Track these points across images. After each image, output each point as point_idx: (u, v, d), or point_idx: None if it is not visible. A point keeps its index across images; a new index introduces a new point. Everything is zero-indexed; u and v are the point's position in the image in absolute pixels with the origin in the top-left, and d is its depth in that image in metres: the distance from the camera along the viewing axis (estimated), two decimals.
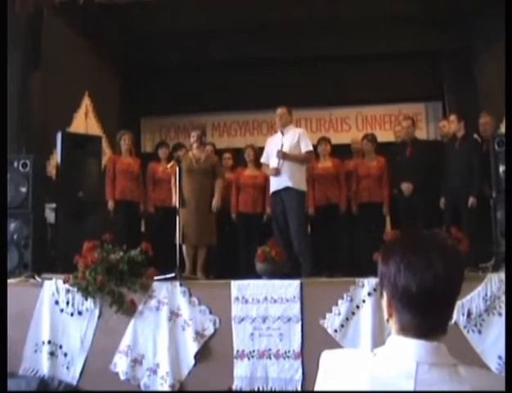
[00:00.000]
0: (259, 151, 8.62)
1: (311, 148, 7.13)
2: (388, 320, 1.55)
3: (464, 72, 9.81)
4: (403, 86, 10.35)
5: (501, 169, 6.26)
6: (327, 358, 1.61)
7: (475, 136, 7.98)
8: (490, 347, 4.86)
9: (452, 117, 8.06)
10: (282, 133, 7.14)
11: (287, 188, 6.88)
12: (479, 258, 5.91)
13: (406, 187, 7.74)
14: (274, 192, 7.02)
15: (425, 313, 1.47)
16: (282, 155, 6.90)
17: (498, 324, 4.87)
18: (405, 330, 1.49)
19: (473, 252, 5.50)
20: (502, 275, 4.98)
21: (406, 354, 1.45)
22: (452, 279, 1.47)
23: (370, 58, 10.09)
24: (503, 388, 1.43)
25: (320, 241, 7.50)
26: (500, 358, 4.80)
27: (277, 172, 6.92)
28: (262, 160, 7.38)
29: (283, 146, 6.97)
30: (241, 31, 9.45)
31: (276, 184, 6.99)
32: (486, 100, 9.01)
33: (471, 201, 7.31)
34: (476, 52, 9.53)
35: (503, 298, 4.91)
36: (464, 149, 7.58)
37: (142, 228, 8.71)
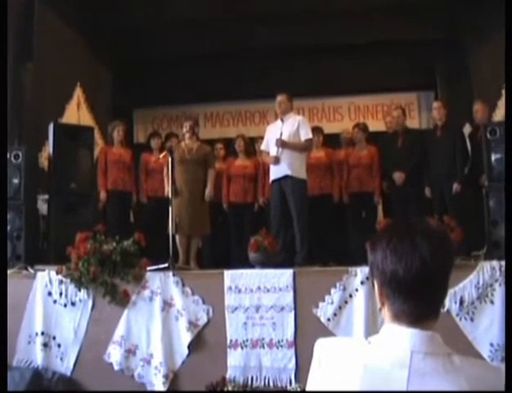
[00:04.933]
0: (250, 141, 8.66)
1: (310, 136, 7.06)
2: (380, 309, 1.55)
3: (457, 61, 9.82)
4: (396, 75, 10.35)
5: (494, 157, 6.27)
6: (321, 346, 1.61)
7: (468, 124, 8.00)
8: (482, 334, 4.90)
9: (435, 104, 8.06)
10: (282, 121, 7.07)
11: (286, 177, 6.83)
12: (471, 246, 5.94)
13: (398, 176, 7.74)
14: (274, 181, 6.97)
15: (415, 297, 1.47)
16: (281, 144, 6.85)
17: (490, 312, 4.91)
18: (398, 317, 1.49)
19: (466, 240, 5.52)
20: (494, 263, 5.01)
21: (400, 342, 1.46)
22: (439, 262, 1.47)
23: (362, 48, 10.07)
24: (497, 378, 1.44)
25: (313, 230, 7.50)
26: (491, 345, 4.84)
27: (276, 160, 6.86)
28: (262, 147, 7.33)
29: (282, 135, 6.90)
30: (233, 21, 9.42)
31: (275, 173, 6.95)
32: (478, 89, 9.04)
33: (455, 186, 7.34)
34: (468, 42, 9.54)
35: (495, 286, 4.94)
36: (445, 136, 7.60)
37: (135, 219, 8.70)
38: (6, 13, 5.70)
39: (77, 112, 8.90)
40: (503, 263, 4.90)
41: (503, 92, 8.25)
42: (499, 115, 8.28)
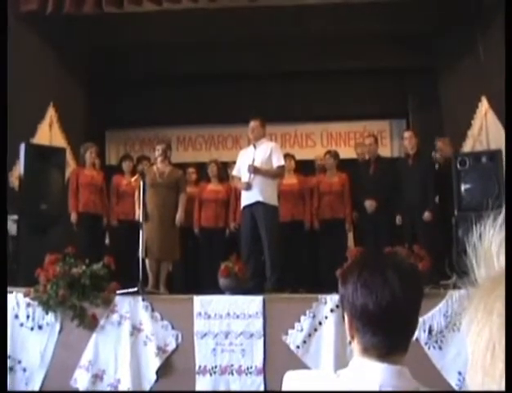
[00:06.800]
0: (222, 165, 8.65)
1: (282, 163, 7.04)
2: (350, 342, 1.55)
3: (428, 90, 9.93)
4: (368, 103, 10.42)
5: (463, 187, 6.36)
6: (290, 378, 1.61)
7: (436, 154, 8.07)
8: (450, 363, 4.93)
9: (406, 134, 8.12)
10: (254, 147, 7.08)
11: (258, 203, 6.77)
12: (440, 275, 5.97)
13: (369, 204, 7.76)
14: (245, 207, 6.93)
15: (385, 331, 1.47)
16: (253, 170, 6.82)
17: (458, 341, 4.94)
18: (367, 350, 1.49)
19: (435, 269, 5.55)
20: (463, 292, 5.03)
21: (369, 377, 1.45)
22: (409, 296, 1.47)
23: (335, 75, 10.16)
24: None
25: (284, 256, 7.49)
26: (459, 373, 4.86)
27: (248, 186, 6.83)
28: (234, 172, 7.29)
29: (254, 161, 6.89)
30: (208, 46, 9.46)
31: (247, 199, 6.90)
32: (449, 118, 9.14)
33: (426, 215, 7.34)
34: (439, 71, 9.66)
35: (463, 314, 4.97)
36: (417, 166, 7.64)
37: (106, 242, 8.63)
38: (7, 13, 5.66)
39: (49, 132, 8.82)
40: (470, 291, 4.93)
41: (472, 122, 8.38)
42: (469, 145, 8.38)
